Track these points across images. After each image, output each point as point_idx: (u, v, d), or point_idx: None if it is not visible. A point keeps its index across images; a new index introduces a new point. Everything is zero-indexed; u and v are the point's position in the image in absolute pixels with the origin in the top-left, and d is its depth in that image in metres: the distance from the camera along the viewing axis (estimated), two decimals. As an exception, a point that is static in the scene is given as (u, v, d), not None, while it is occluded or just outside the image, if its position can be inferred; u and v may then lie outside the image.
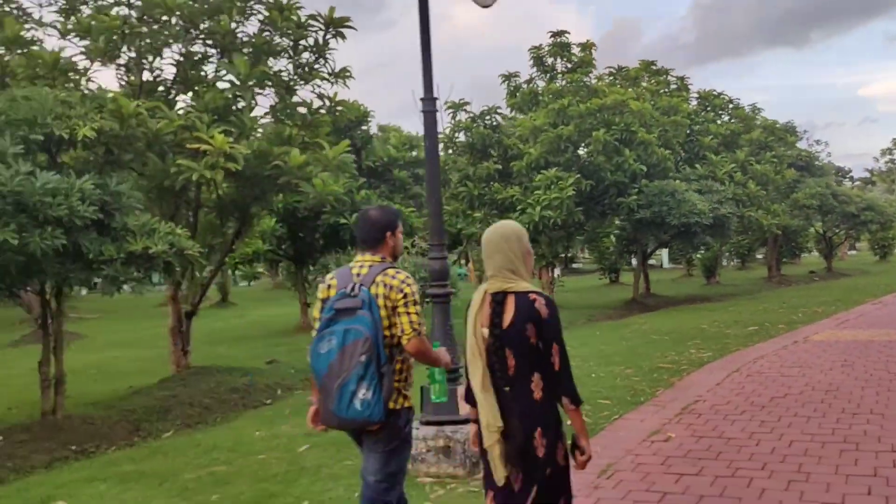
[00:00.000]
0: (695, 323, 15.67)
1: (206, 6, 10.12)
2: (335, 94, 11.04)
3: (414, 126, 37.12)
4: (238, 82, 9.80)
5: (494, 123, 19.95)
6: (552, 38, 21.76)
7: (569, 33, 21.88)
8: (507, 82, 22.14)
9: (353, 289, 3.41)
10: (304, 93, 11.15)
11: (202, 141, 9.04)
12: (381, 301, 3.40)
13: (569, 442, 3.08)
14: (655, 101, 21.24)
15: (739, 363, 9.96)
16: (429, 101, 6.13)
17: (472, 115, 19.62)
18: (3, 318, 23.29)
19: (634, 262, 28.10)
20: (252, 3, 10.74)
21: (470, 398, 3.20)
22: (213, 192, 9.92)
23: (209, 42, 10.46)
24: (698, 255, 32.82)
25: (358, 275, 3.50)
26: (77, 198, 7.77)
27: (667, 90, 23.52)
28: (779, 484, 5.08)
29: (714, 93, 24.79)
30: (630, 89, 21.11)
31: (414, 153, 25.72)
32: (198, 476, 6.27)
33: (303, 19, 10.70)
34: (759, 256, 43.11)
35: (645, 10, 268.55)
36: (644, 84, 22.78)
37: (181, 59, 10.25)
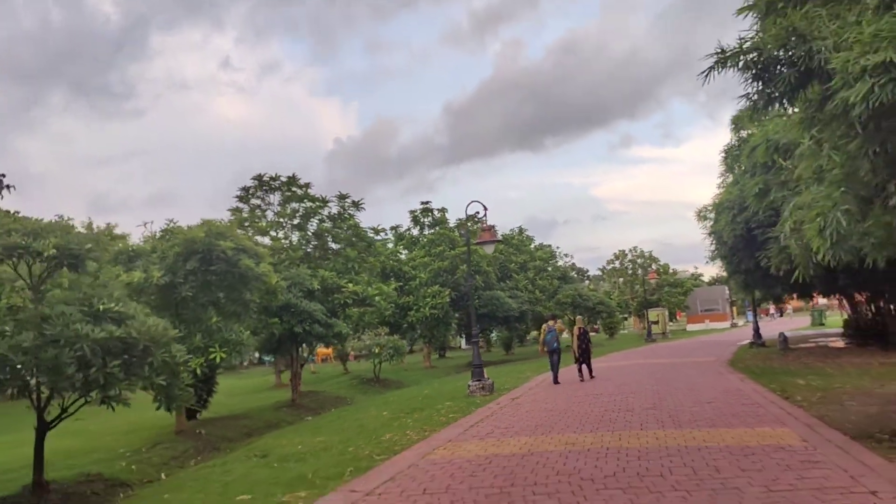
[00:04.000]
0: (520, 368, 29.98)
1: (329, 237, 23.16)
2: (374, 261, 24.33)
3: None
4: (351, 259, 22.84)
5: (396, 259, 33.66)
6: (422, 205, 36.24)
7: (431, 202, 36.47)
8: (394, 231, 36.07)
9: (551, 327, 18.40)
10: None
11: (344, 287, 21.90)
12: (557, 329, 18.33)
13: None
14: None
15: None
16: (470, 278, 19.87)
17: (385, 255, 33.21)
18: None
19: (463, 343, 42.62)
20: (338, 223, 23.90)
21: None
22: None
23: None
24: (495, 336, 48.12)
25: (552, 324, 18.47)
26: (320, 311, 20.47)
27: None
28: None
29: (512, 234, 40.66)
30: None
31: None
32: (395, 408, 19.02)
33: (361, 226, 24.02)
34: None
35: (402, 111, 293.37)
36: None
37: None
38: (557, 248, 64.43)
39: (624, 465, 8.45)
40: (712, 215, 23.66)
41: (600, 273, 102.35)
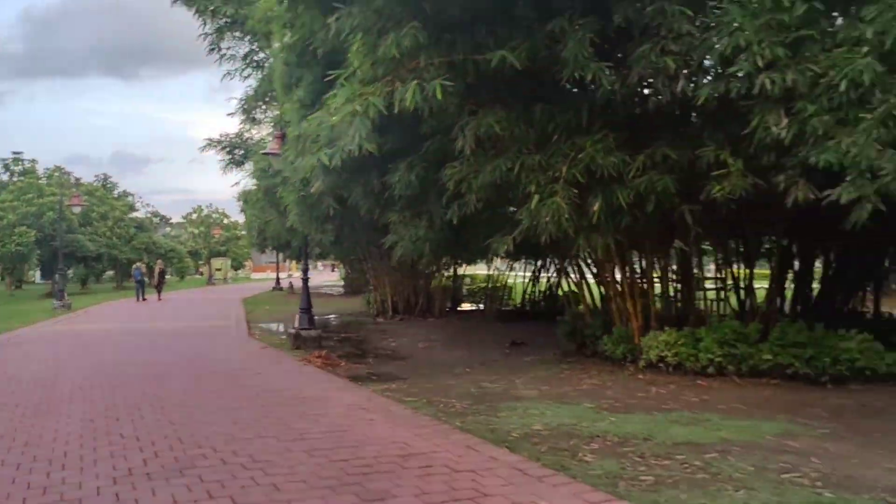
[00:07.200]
0: (96, 297, 38.17)
1: None
2: None
3: None
4: None
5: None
6: (14, 154, 41.56)
7: (23, 152, 41.91)
8: None
9: (138, 267, 26.61)
10: None
11: None
12: (142, 268, 27.10)
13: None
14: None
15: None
16: (60, 226, 28.28)
17: None
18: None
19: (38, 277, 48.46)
20: None
21: None
22: None
23: None
24: (72, 273, 54.33)
25: (140, 265, 26.74)
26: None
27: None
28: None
29: (96, 186, 47.62)
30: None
31: None
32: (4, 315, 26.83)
33: None
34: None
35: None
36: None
37: None
38: (140, 198, 71.36)
39: (147, 332, 18.97)
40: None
41: (183, 220, 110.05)
